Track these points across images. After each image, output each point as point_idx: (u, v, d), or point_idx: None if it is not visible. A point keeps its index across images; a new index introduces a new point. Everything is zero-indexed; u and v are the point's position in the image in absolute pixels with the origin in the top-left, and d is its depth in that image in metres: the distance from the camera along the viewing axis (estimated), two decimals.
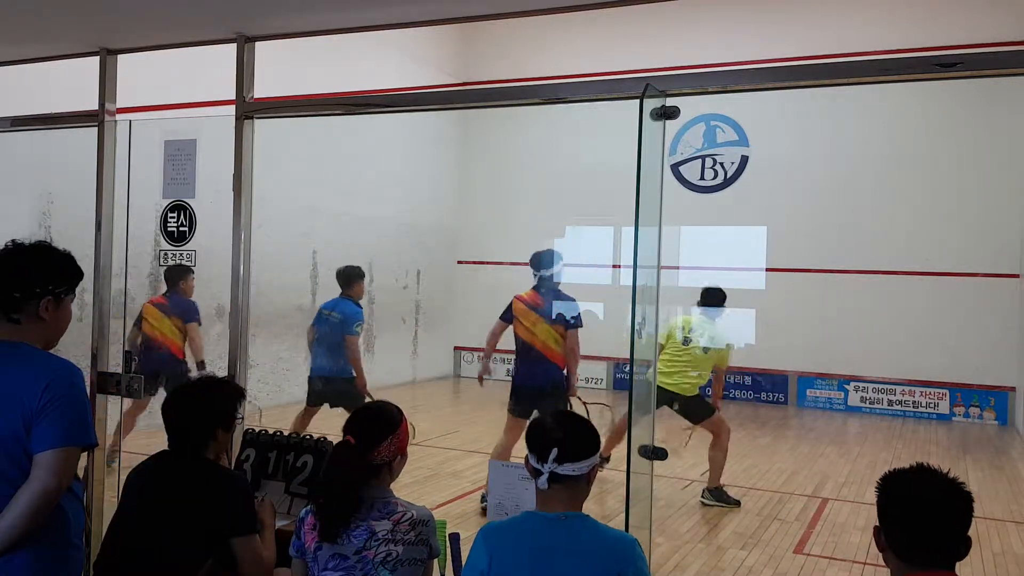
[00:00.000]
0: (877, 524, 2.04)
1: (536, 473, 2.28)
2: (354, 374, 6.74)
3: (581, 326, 6.04)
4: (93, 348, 3.80)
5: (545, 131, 12.62)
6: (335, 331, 6.82)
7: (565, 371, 5.97)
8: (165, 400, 2.73)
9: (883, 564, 2.04)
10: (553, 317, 5.92)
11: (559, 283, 6.05)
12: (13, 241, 2.44)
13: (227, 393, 2.79)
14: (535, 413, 5.82)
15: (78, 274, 2.50)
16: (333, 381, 6.82)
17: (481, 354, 13.91)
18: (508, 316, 6.18)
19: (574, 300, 6.06)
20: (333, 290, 11.27)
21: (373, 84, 10.35)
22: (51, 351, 2.43)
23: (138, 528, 2.56)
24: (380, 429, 2.52)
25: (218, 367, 5.43)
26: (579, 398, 6.11)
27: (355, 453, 2.45)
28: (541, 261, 6.07)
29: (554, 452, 2.25)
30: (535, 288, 6.08)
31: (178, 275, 6.51)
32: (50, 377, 2.26)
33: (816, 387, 11.95)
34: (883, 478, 2.05)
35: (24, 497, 2.19)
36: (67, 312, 2.47)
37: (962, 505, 1.94)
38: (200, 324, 6.74)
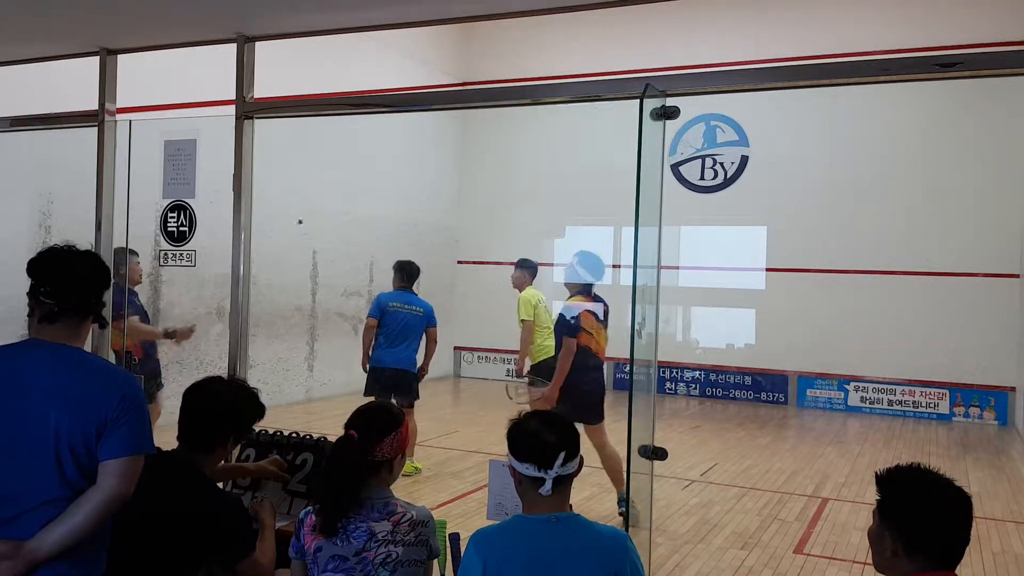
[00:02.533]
0: (881, 527, 1.99)
1: (538, 481, 2.23)
2: (417, 368, 7.02)
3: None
4: (93, 348, 3.80)
5: (545, 131, 12.61)
6: (418, 325, 7.01)
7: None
8: (190, 389, 2.74)
9: None
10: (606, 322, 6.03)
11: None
12: (68, 245, 2.44)
13: (254, 404, 2.80)
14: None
15: None
16: (401, 373, 6.93)
17: (484, 355, 13.93)
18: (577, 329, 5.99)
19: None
20: (333, 289, 11.33)
21: (373, 84, 10.35)
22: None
23: (134, 540, 2.51)
24: (383, 425, 2.53)
25: (218, 367, 5.41)
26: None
27: (357, 448, 2.46)
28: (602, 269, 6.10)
29: (561, 456, 2.22)
30: (594, 298, 6.02)
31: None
32: (126, 388, 2.31)
33: (816, 387, 11.95)
34: (892, 480, 2.01)
35: (94, 500, 2.22)
36: None
37: (969, 504, 1.97)
38: (138, 317, 5.66)
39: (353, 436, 2.47)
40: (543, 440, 2.25)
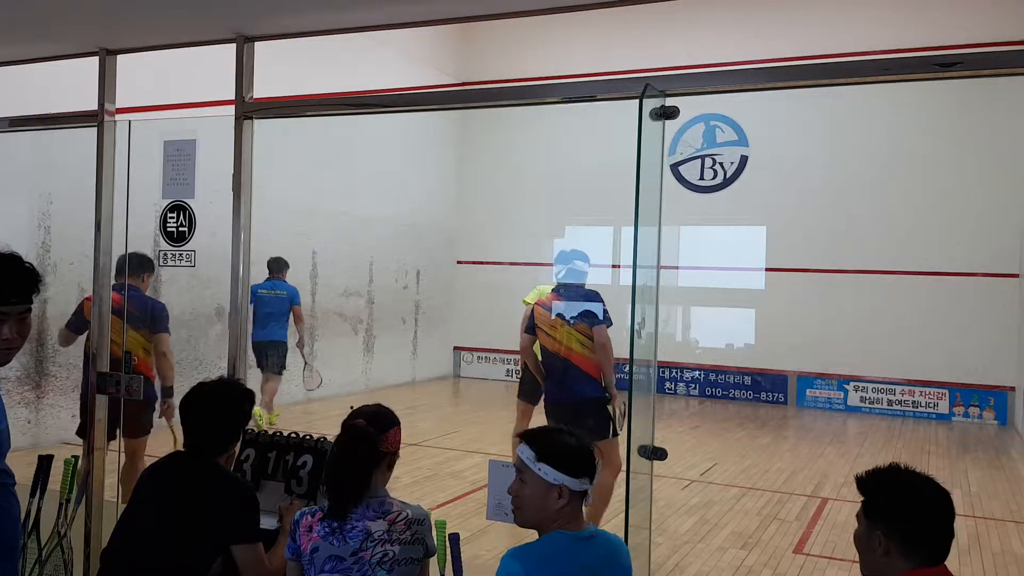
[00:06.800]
0: (870, 528, 2.01)
1: (583, 495, 2.23)
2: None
3: (609, 323, 5.00)
4: (93, 348, 3.79)
5: (545, 131, 12.62)
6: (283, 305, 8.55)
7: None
8: (185, 398, 2.73)
9: None
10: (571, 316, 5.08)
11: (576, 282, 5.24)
12: None
13: (247, 395, 2.82)
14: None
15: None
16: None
17: (483, 355, 13.94)
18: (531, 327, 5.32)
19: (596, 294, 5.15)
20: (333, 289, 11.34)
21: (373, 84, 10.35)
22: None
23: (143, 527, 2.57)
24: (384, 420, 2.56)
25: (217, 367, 5.40)
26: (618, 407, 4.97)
27: (367, 434, 2.48)
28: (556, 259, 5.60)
29: (599, 465, 2.26)
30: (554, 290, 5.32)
31: (142, 267, 5.12)
32: None
33: (816, 387, 11.95)
34: (876, 481, 2.04)
35: None
36: None
37: (951, 499, 2.02)
38: (170, 334, 5.25)
39: (363, 423, 2.50)
40: (591, 452, 2.26)
